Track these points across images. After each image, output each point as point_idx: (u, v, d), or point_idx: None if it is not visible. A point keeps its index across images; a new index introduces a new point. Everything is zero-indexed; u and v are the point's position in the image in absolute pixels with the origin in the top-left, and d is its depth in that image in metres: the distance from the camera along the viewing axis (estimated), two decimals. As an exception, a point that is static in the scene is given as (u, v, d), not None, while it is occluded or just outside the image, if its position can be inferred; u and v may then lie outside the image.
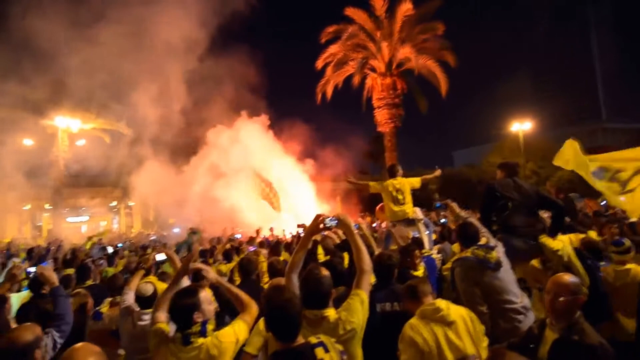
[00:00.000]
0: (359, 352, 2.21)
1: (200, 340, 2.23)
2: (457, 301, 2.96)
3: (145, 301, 3.28)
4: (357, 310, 2.26)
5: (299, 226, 5.24)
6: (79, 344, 1.87)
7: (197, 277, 4.32)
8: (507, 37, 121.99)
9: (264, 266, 5.53)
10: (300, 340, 1.93)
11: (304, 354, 1.85)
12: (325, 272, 2.37)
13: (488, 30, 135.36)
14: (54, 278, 3.35)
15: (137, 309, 3.32)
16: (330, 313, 2.24)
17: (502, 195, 4.11)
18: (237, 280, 4.40)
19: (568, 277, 2.38)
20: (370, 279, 2.46)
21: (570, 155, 5.74)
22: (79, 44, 15.87)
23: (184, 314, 2.26)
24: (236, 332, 2.34)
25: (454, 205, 4.54)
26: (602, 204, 9.43)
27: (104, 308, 3.91)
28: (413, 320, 2.46)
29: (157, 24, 16.86)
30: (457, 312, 2.42)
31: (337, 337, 2.13)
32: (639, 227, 5.40)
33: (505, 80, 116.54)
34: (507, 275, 3.17)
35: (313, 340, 1.90)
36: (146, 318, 3.12)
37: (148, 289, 3.32)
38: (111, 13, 16.53)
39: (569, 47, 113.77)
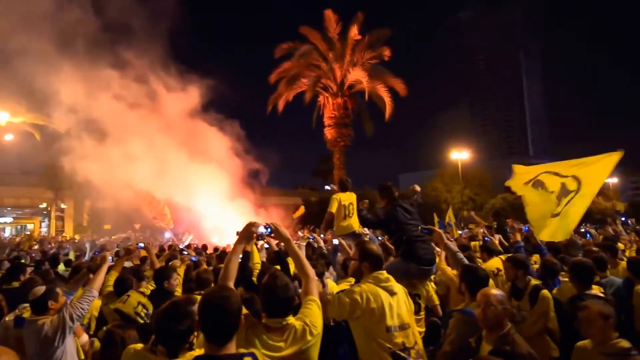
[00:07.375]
0: (316, 356, 2.18)
1: (188, 354, 2.03)
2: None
3: (35, 304, 2.92)
4: (317, 315, 2.23)
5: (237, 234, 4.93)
6: None
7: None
8: (450, 73, 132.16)
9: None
10: (232, 349, 1.78)
11: None
12: (287, 279, 2.29)
13: (433, 65, 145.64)
14: None
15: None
16: (293, 320, 2.16)
17: (397, 228, 4.23)
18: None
19: (495, 290, 2.62)
20: (316, 284, 2.40)
21: (521, 179, 5.76)
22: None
23: (180, 336, 1.97)
24: None
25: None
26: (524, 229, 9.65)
27: (26, 314, 3.37)
28: (364, 284, 2.67)
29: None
30: (398, 287, 2.78)
31: (305, 344, 2.09)
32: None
33: (448, 112, 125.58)
34: None
35: (242, 350, 1.81)
36: (33, 327, 2.80)
37: (38, 291, 2.95)
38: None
39: (504, 89, 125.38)
